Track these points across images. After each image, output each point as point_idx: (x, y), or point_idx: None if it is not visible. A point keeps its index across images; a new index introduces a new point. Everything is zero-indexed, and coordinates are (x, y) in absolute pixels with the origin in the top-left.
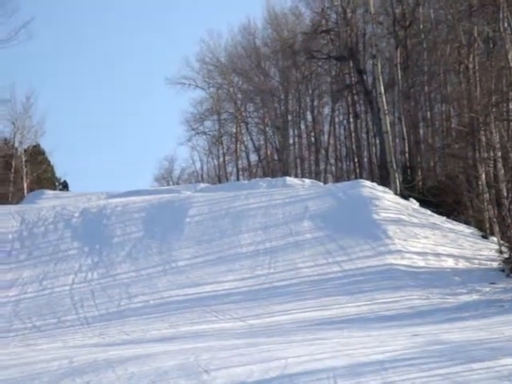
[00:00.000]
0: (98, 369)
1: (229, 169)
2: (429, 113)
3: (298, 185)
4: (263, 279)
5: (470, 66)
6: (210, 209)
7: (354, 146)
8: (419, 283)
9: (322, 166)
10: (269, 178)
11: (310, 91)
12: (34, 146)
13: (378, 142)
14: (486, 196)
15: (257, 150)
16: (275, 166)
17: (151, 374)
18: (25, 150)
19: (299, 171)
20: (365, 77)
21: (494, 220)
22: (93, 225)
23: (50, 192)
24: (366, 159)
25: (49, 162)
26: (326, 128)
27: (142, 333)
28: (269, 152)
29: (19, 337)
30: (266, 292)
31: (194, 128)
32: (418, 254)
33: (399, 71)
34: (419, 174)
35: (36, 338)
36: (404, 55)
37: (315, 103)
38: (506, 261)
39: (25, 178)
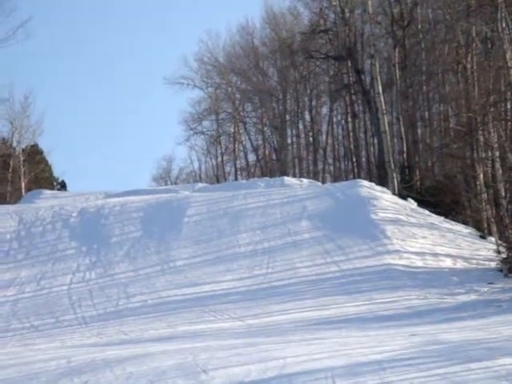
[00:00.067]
0: (96, 368)
1: (227, 169)
2: (427, 113)
3: (296, 184)
4: (261, 279)
5: (468, 65)
6: (208, 208)
7: (352, 146)
8: (417, 283)
9: (320, 166)
10: (267, 178)
11: (308, 91)
12: (32, 146)
13: (376, 141)
14: (484, 196)
15: (255, 149)
16: (273, 166)
17: (149, 374)
18: (23, 150)
19: (297, 171)
20: (363, 77)
21: (492, 220)
22: (91, 224)
23: (47, 192)
24: (364, 159)
25: (47, 161)
26: (324, 128)
27: (140, 332)
28: (267, 152)
29: (17, 336)
30: (264, 292)
31: (192, 128)
32: (416, 253)
33: (397, 71)
34: (417, 173)
35: (34, 338)
36: (402, 55)
37: (313, 103)
38: (503, 261)
39: (23, 178)
